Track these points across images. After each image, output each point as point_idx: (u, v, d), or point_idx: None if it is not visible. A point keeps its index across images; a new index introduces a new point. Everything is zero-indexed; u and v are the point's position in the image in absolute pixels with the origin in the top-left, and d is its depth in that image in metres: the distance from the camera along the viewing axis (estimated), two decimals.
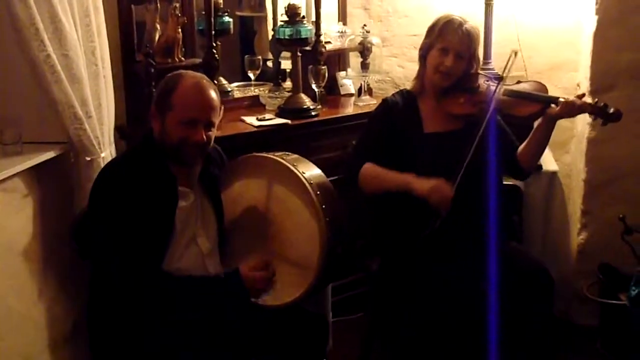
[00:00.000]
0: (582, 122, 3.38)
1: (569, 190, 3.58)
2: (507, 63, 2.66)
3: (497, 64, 3.51)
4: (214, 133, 2.31)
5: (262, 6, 3.95)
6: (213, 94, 2.27)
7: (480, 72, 2.87)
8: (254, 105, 3.58)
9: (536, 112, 2.70)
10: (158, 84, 2.93)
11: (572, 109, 2.61)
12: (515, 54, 2.67)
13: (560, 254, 3.38)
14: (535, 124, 2.79)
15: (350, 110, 3.59)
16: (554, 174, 3.31)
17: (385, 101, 2.86)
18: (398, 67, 4.04)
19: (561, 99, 2.64)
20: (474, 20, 2.85)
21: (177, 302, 2.20)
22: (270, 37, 3.82)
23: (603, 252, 3.38)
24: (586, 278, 3.40)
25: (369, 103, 3.59)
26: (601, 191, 3.41)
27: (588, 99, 2.69)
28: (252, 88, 3.69)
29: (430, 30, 2.79)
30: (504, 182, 2.96)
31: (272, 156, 2.43)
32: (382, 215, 2.85)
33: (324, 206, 2.31)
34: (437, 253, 2.64)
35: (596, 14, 3.25)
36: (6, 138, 2.49)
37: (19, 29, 2.30)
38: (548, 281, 2.67)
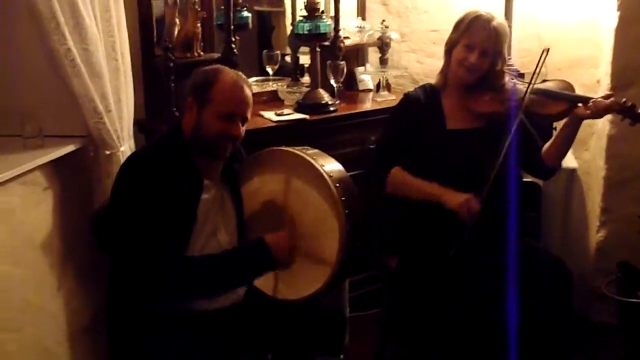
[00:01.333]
0: (603, 120, 3.35)
1: (588, 188, 3.55)
2: (539, 61, 2.63)
3: (515, 60, 3.50)
4: (244, 128, 2.34)
5: (280, 1, 3.95)
6: (248, 91, 2.32)
7: (505, 69, 2.85)
8: (272, 100, 3.58)
9: (563, 111, 2.67)
10: (178, 78, 2.99)
11: (599, 109, 2.58)
12: (547, 51, 2.64)
13: (579, 251, 3.36)
14: (558, 123, 2.77)
15: (368, 105, 3.57)
16: (573, 171, 3.29)
17: (407, 96, 2.85)
18: (417, 62, 4.03)
19: (589, 99, 2.61)
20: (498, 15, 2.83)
21: (206, 279, 2.20)
22: (288, 32, 3.82)
23: (622, 250, 3.35)
24: (605, 276, 3.37)
25: (388, 99, 3.59)
26: (621, 189, 3.38)
27: (615, 99, 2.65)
28: (271, 83, 3.69)
29: (458, 25, 2.76)
30: (524, 179, 2.95)
31: (291, 150, 2.43)
32: (405, 217, 2.84)
33: (343, 199, 2.31)
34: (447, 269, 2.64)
35: (617, 10, 3.22)
36: (27, 131, 2.51)
37: (40, 23, 2.32)
38: (566, 275, 2.66)
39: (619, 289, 3.25)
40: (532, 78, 2.66)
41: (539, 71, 2.65)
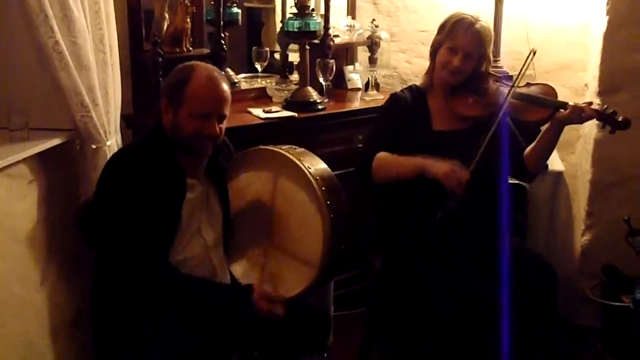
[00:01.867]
0: (590, 123, 3.36)
1: (574, 191, 3.56)
2: (525, 62, 2.64)
3: (505, 62, 3.51)
4: (224, 125, 2.31)
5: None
6: (225, 87, 2.27)
7: (491, 71, 2.85)
8: (261, 97, 3.57)
9: (545, 117, 2.68)
10: (166, 73, 2.96)
11: (580, 116, 2.60)
12: (534, 53, 2.65)
13: (564, 254, 3.37)
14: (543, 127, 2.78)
15: (357, 104, 3.58)
16: (559, 174, 3.30)
17: (394, 96, 2.85)
18: (406, 62, 4.03)
19: (570, 105, 2.62)
20: (484, 18, 2.84)
21: (182, 298, 2.20)
22: (278, 29, 3.81)
23: (607, 254, 3.37)
24: (589, 279, 3.39)
25: (376, 98, 3.59)
26: (606, 192, 3.40)
27: (597, 106, 2.67)
28: (259, 80, 3.69)
29: (441, 28, 2.77)
30: (510, 182, 2.95)
31: (278, 150, 2.43)
32: (390, 209, 2.83)
33: (328, 202, 2.31)
34: (446, 243, 2.62)
35: (607, 14, 3.24)
36: (13, 124, 2.49)
37: (28, 15, 2.30)
38: (551, 276, 2.66)
39: (603, 293, 3.26)
40: (515, 80, 2.68)
41: (524, 72, 2.66)
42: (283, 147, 2.45)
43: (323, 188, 2.32)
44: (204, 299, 2.23)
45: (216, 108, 2.25)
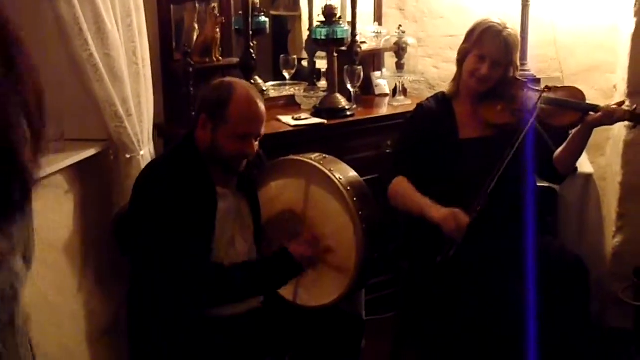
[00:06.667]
0: (619, 125, 3.34)
1: (604, 193, 3.55)
2: (539, 99, 2.66)
3: (532, 65, 3.50)
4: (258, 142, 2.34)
5: (296, 5, 3.98)
6: (263, 106, 2.28)
7: (518, 77, 2.85)
8: (289, 104, 3.60)
9: (575, 121, 2.66)
10: (197, 83, 3.01)
11: (611, 117, 2.58)
12: (547, 89, 2.69)
13: (595, 256, 3.34)
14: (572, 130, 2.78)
15: (385, 110, 3.59)
16: (589, 176, 3.29)
17: (420, 106, 2.86)
18: (433, 67, 4.04)
19: (600, 107, 2.61)
20: (511, 22, 2.84)
21: (235, 288, 2.23)
22: (304, 37, 3.84)
23: (638, 256, 3.35)
24: (621, 281, 3.37)
25: (404, 103, 3.60)
26: (637, 194, 3.38)
27: (627, 106, 2.66)
28: (287, 87, 3.72)
29: (469, 35, 2.77)
30: (539, 184, 2.95)
31: (309, 160, 2.45)
32: (414, 222, 2.84)
33: (360, 212, 2.33)
34: (474, 245, 2.62)
35: (635, 15, 3.22)
36: (49, 135, 2.53)
37: (63, 28, 2.36)
38: (583, 271, 2.66)
39: (636, 295, 3.25)
40: (541, 92, 2.67)
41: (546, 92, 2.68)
42: (313, 157, 2.48)
43: (355, 198, 2.35)
44: (253, 279, 2.26)
45: (256, 129, 2.27)
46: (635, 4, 3.22)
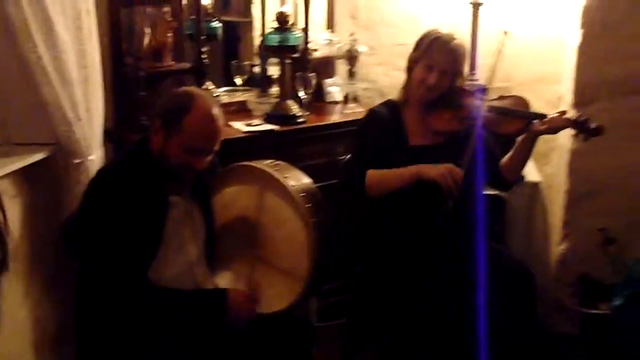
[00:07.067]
0: (565, 134, 3.41)
1: (550, 201, 3.62)
2: (499, 47, 2.75)
3: (481, 75, 3.56)
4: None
5: (248, 12, 3.96)
6: (221, 124, 2.26)
7: (465, 85, 2.92)
8: (241, 110, 3.59)
9: (520, 129, 2.75)
10: (148, 88, 2.99)
11: (554, 126, 2.67)
12: (505, 33, 2.77)
13: (542, 263, 3.42)
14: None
15: (336, 117, 3.61)
16: (536, 184, 3.36)
17: (372, 111, 2.90)
18: (384, 75, 4.07)
19: (544, 116, 2.69)
20: (460, 31, 2.89)
21: (161, 313, 2.21)
22: (255, 43, 3.84)
23: (583, 263, 3.42)
24: (567, 288, 3.44)
25: (355, 111, 3.62)
26: (582, 203, 3.44)
27: (570, 115, 2.74)
28: (239, 93, 3.71)
29: (418, 45, 2.83)
30: (488, 193, 3.00)
31: (262, 167, 2.45)
32: (380, 219, 2.87)
33: (313, 218, 2.34)
34: (428, 252, 2.69)
35: (581, 27, 3.30)
36: None
37: (11, 30, 2.31)
38: (529, 277, 2.72)
39: (580, 301, 3.32)
40: (484, 94, 2.75)
41: (498, 58, 2.79)
42: (266, 163, 2.47)
43: (308, 205, 2.35)
44: (182, 308, 2.23)
45: (209, 146, 2.25)
46: (582, 16, 3.30)
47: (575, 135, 2.71)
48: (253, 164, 2.48)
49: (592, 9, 3.28)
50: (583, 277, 3.33)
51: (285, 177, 2.39)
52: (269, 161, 2.50)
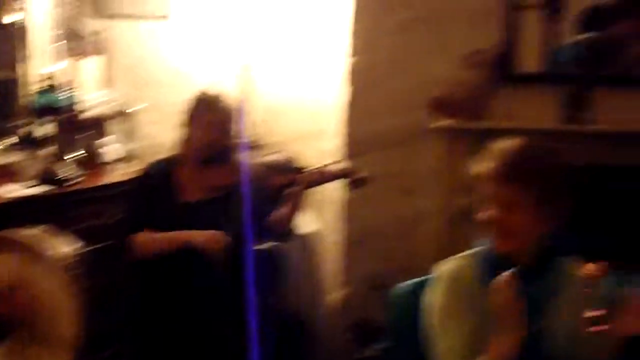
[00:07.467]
0: (337, 186, 3.60)
1: (325, 250, 3.76)
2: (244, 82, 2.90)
3: (249, 132, 3.65)
4: None
5: (13, 70, 3.80)
6: None
7: (236, 143, 3.01)
8: (8, 174, 3.42)
9: (288, 181, 2.89)
10: None
11: (320, 178, 2.83)
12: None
13: (320, 311, 3.53)
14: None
15: (111, 177, 3.56)
16: (310, 234, 3.48)
17: (143, 170, 2.94)
18: (161, 133, 4.05)
19: (309, 169, 2.85)
20: (230, 91, 2.99)
21: None
22: (22, 102, 3.68)
23: (361, 308, 3.57)
24: (345, 333, 3.57)
25: (129, 171, 3.58)
26: (356, 250, 3.62)
27: (336, 167, 2.91)
28: (6, 156, 3.53)
29: (189, 104, 2.92)
30: (262, 247, 3.08)
31: (19, 238, 2.34)
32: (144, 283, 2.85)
33: (77, 286, 2.28)
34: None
35: (350, 85, 3.52)
36: None
37: None
38: (304, 326, 2.83)
39: (357, 346, 3.45)
40: (252, 150, 2.87)
41: (260, 141, 2.95)
42: (25, 233, 2.37)
43: (73, 273, 2.29)
44: None
45: None
46: (350, 76, 3.52)
47: (346, 186, 2.89)
48: (7, 235, 2.37)
49: (357, 70, 3.53)
50: (358, 322, 3.48)
51: (44, 245, 2.31)
52: (31, 229, 2.40)
